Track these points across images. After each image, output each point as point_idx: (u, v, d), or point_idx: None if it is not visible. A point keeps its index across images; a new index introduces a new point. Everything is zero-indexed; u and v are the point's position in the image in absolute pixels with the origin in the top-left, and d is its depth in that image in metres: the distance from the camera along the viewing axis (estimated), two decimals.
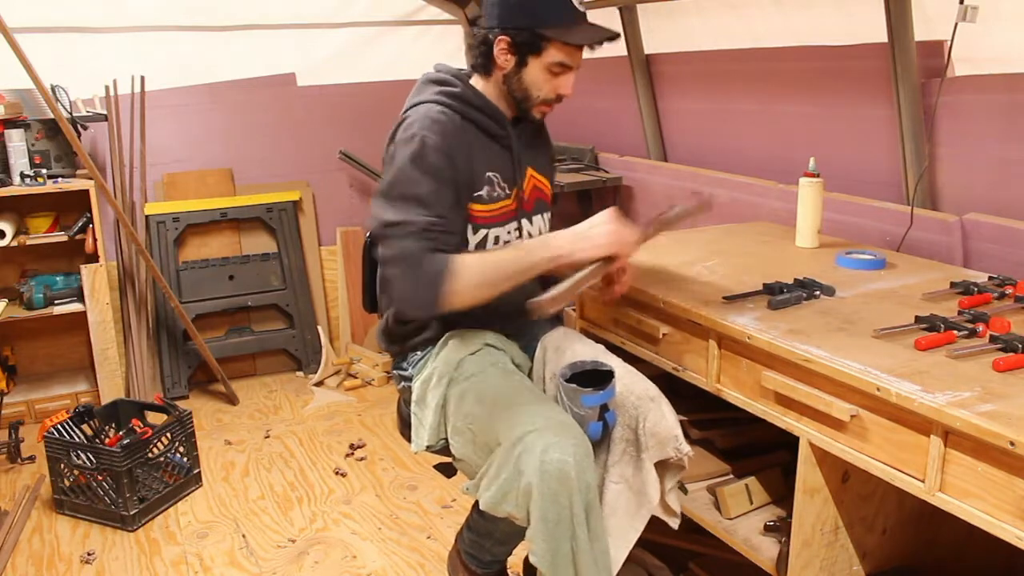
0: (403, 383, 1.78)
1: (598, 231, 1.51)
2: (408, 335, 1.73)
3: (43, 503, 2.63)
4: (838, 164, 2.30)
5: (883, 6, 2.02)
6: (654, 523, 1.61)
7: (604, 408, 1.50)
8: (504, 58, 1.60)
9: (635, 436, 1.57)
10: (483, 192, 1.64)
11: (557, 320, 1.86)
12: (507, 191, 1.69)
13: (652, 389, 1.59)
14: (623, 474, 1.59)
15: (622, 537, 1.57)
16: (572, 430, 1.44)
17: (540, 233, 1.76)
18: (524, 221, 1.73)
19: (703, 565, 1.98)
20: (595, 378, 1.54)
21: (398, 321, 1.73)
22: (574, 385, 1.51)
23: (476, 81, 1.67)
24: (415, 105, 1.64)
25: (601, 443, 1.59)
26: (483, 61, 1.63)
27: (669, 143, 3.14)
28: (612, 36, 1.60)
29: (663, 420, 1.54)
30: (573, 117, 3.51)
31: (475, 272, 1.50)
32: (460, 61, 1.75)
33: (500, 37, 1.58)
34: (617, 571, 1.55)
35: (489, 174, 1.66)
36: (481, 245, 1.66)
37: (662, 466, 1.57)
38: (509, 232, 1.70)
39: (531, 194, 1.75)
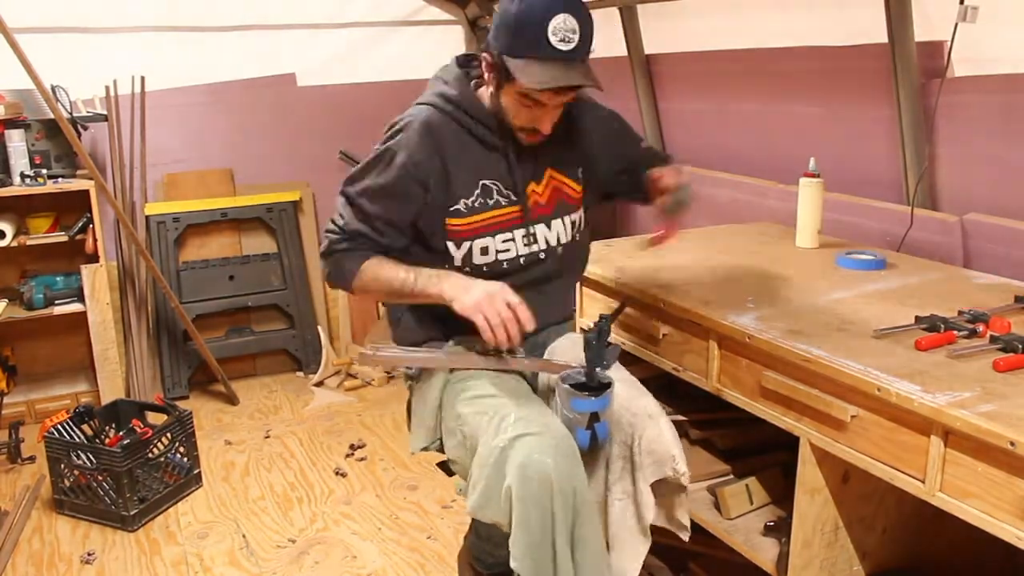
0: (408, 382, 1.78)
1: (475, 293, 1.51)
2: (413, 336, 1.72)
3: (43, 503, 2.63)
4: (838, 164, 2.30)
5: (883, 6, 2.02)
6: (654, 525, 1.60)
7: (595, 418, 1.47)
8: (488, 75, 1.56)
9: (630, 453, 1.54)
10: (460, 206, 1.60)
11: (568, 327, 1.83)
12: (512, 198, 1.64)
13: (652, 406, 1.56)
14: (625, 490, 1.56)
15: (632, 552, 1.56)
16: (556, 433, 1.42)
17: (558, 240, 1.70)
18: (539, 227, 1.67)
19: (703, 565, 1.98)
20: (596, 388, 1.51)
21: (406, 323, 1.73)
22: (567, 387, 1.49)
23: (484, 87, 1.62)
24: (418, 103, 1.63)
25: (596, 457, 1.57)
26: (480, 72, 1.60)
27: (669, 143, 3.14)
28: (579, 85, 1.47)
29: (660, 438, 1.51)
30: None
31: (371, 279, 1.61)
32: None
33: (484, 54, 1.54)
34: None
35: (486, 182, 1.62)
36: (467, 258, 1.63)
37: (664, 483, 1.55)
38: (506, 241, 1.65)
39: (550, 198, 1.68)
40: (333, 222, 1.65)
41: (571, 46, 1.44)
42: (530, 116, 1.55)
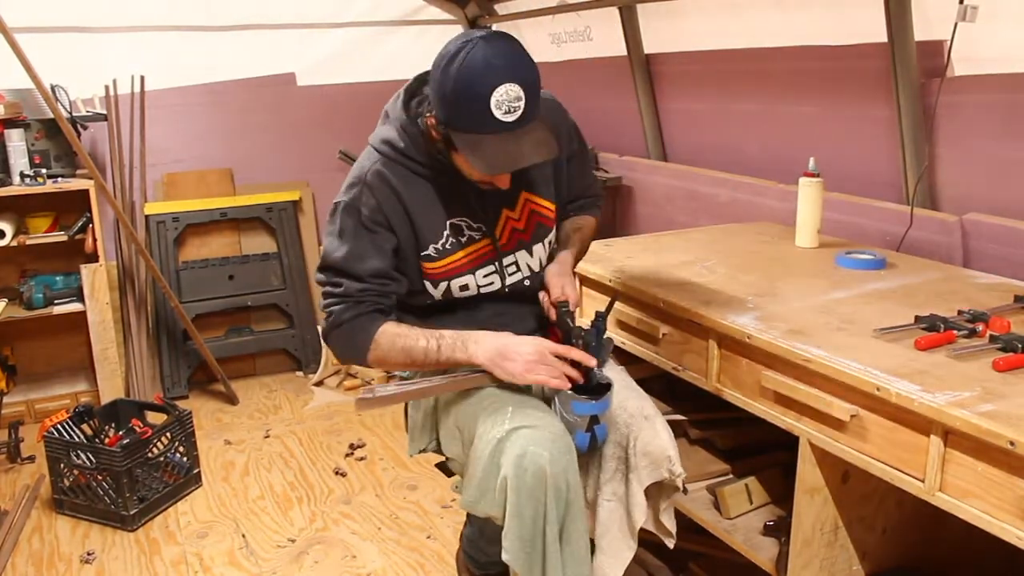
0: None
1: (517, 359, 1.46)
2: None
3: (43, 503, 2.63)
4: (838, 164, 2.30)
5: (883, 6, 2.02)
6: (642, 528, 1.60)
7: (594, 420, 1.47)
8: (434, 133, 1.45)
9: (625, 454, 1.54)
10: (430, 251, 1.55)
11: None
12: (483, 231, 1.58)
13: (648, 408, 1.56)
14: (616, 492, 1.56)
15: (616, 555, 1.56)
16: (553, 428, 1.42)
17: (540, 264, 1.65)
18: (520, 254, 1.63)
19: (703, 565, 1.98)
20: (596, 390, 1.51)
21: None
22: (567, 389, 1.49)
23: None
24: (370, 145, 1.56)
25: (591, 458, 1.57)
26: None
27: (669, 143, 3.14)
28: (528, 164, 1.39)
29: (656, 439, 1.50)
30: (573, 117, 3.51)
31: (388, 348, 1.52)
32: None
33: (429, 115, 1.43)
34: None
35: (454, 221, 1.56)
36: (447, 293, 1.59)
37: (657, 486, 1.55)
38: (488, 275, 1.60)
39: (528, 222, 1.62)
40: (328, 296, 1.55)
41: (517, 115, 1.34)
42: (482, 176, 1.48)
